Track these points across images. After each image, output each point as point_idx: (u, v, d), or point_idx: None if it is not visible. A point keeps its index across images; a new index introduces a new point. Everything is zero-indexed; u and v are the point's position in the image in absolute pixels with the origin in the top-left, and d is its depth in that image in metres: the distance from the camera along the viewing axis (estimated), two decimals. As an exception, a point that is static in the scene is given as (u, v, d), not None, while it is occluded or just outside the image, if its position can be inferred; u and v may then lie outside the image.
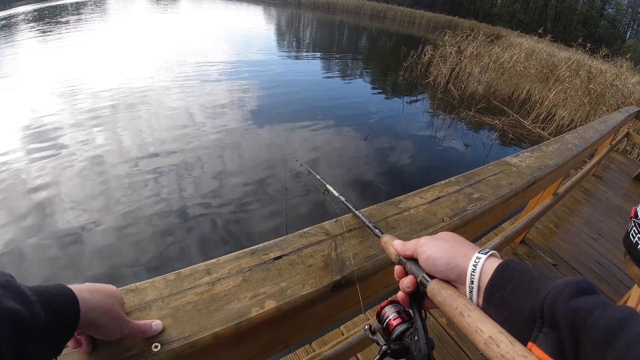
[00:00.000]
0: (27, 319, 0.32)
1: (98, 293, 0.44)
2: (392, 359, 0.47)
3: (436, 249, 0.48)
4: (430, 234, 0.81)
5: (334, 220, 0.80)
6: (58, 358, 0.44)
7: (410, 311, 0.51)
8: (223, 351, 0.56)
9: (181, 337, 0.50)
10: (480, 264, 0.43)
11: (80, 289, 0.41)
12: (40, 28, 13.18)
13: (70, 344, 0.44)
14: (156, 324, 0.49)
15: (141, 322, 0.48)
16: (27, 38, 11.64)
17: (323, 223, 0.78)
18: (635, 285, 1.79)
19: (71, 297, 0.39)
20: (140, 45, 11.24)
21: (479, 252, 0.45)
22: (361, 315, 1.92)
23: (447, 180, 1.06)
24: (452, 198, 0.97)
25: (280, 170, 4.51)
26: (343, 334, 1.83)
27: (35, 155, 4.34)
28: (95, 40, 11.66)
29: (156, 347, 0.48)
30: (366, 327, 0.50)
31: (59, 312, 0.37)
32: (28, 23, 14.49)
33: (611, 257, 2.94)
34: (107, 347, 0.46)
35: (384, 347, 0.47)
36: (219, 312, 0.54)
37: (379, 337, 0.50)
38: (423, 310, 0.50)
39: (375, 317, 0.56)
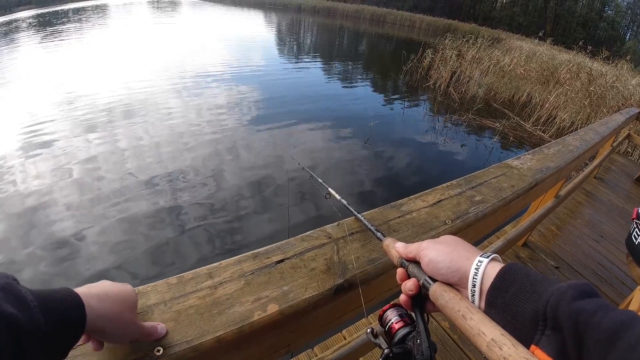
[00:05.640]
0: (24, 324, 0.31)
1: (108, 298, 0.43)
2: None
3: (438, 252, 0.48)
4: (433, 237, 0.81)
5: (335, 223, 0.80)
6: None
7: (413, 314, 0.50)
8: (225, 355, 0.56)
9: (183, 341, 0.50)
10: (482, 267, 0.43)
11: (89, 294, 0.40)
12: (40, 33, 13.27)
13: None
14: (161, 327, 0.49)
15: (149, 324, 0.48)
16: (26, 43, 11.72)
17: (325, 226, 0.78)
18: (638, 287, 1.78)
19: (77, 302, 0.38)
20: (140, 51, 11.32)
21: (480, 256, 0.45)
22: (363, 320, 1.91)
23: (448, 183, 1.06)
24: (453, 201, 0.97)
25: (282, 174, 4.51)
26: (345, 338, 1.83)
27: (31, 161, 4.36)
28: (94, 45, 11.74)
29: (158, 351, 0.47)
30: (368, 330, 0.50)
31: (62, 318, 0.36)
32: (28, 29, 14.59)
33: (613, 258, 2.93)
34: (110, 351, 0.46)
35: (386, 351, 0.47)
36: (221, 316, 0.54)
37: (381, 341, 0.49)
38: (425, 314, 0.50)
39: (377, 321, 0.56)
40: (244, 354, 0.60)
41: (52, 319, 0.34)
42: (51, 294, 0.36)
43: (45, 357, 0.35)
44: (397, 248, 0.57)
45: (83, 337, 0.42)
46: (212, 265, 0.62)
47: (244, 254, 0.66)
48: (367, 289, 0.71)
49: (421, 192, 0.99)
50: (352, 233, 0.77)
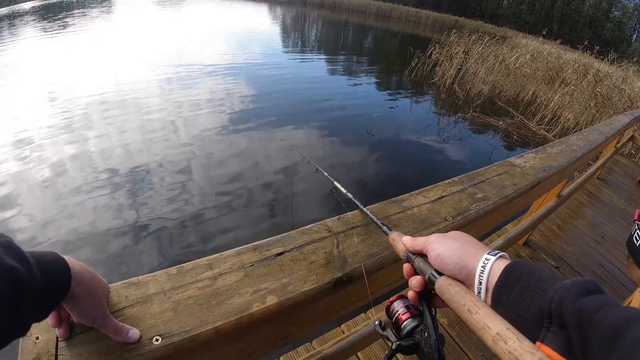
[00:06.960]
0: (25, 278, 0.33)
1: (88, 273, 0.45)
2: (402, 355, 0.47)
3: (446, 247, 0.48)
4: (433, 233, 0.81)
5: (336, 217, 0.80)
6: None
7: (420, 307, 0.51)
8: (223, 346, 0.56)
9: (182, 330, 0.50)
10: (489, 265, 0.43)
11: (72, 262, 0.43)
12: (43, 26, 13.23)
13: (51, 321, 0.44)
14: (133, 332, 0.47)
15: (120, 323, 0.47)
16: (32, 35, 11.69)
17: (325, 220, 0.78)
18: (638, 288, 1.78)
19: (64, 266, 0.41)
20: (143, 43, 11.22)
21: (488, 253, 0.45)
22: (362, 314, 1.92)
23: (450, 180, 1.06)
24: (455, 198, 0.97)
25: (287, 167, 4.51)
26: (344, 332, 1.83)
27: (20, 153, 4.24)
28: (93, 39, 11.57)
29: (157, 340, 0.48)
30: (376, 322, 0.50)
31: (52, 276, 0.38)
32: (30, 21, 14.53)
33: (614, 260, 2.92)
34: (109, 339, 0.46)
35: (395, 344, 0.47)
36: (220, 306, 0.54)
37: (389, 333, 0.49)
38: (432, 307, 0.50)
39: (377, 316, 0.56)
40: (242, 345, 0.60)
41: (44, 278, 0.36)
42: (42, 255, 0.39)
43: (34, 313, 0.37)
44: (405, 241, 0.56)
45: (55, 316, 0.45)
46: (212, 256, 0.62)
47: (244, 246, 0.66)
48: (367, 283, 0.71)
49: (422, 188, 0.99)
50: (353, 227, 0.77)
